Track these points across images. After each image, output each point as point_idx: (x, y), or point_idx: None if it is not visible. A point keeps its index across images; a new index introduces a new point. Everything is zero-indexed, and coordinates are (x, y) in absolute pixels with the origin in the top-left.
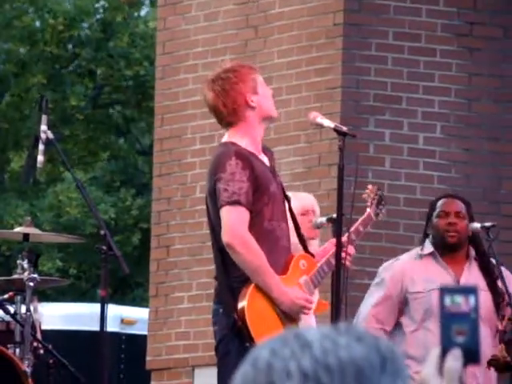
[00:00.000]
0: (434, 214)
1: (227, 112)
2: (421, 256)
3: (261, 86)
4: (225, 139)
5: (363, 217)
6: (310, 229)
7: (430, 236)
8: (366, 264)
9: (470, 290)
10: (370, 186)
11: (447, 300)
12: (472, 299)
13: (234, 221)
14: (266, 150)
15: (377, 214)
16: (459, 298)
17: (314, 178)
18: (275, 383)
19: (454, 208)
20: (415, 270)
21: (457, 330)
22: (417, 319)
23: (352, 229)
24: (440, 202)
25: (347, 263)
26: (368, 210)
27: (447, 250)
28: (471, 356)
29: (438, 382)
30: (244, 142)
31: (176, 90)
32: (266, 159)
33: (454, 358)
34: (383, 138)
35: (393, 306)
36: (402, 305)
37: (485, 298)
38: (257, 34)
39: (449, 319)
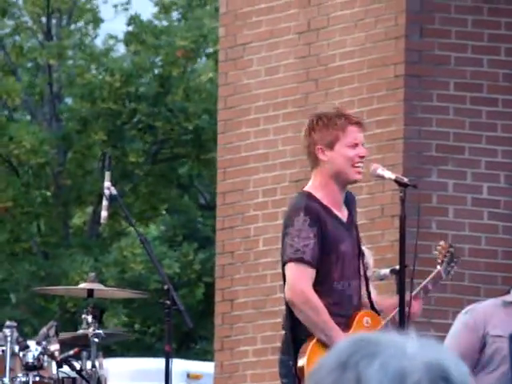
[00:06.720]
0: None
1: (305, 153)
2: (505, 303)
3: (342, 145)
4: (306, 187)
5: (432, 274)
6: None
7: None
8: (432, 315)
9: None
10: (441, 243)
11: None
12: None
13: (297, 278)
14: (349, 197)
15: (448, 272)
16: None
17: (377, 229)
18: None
19: None
20: (497, 316)
21: None
22: (495, 362)
23: (420, 286)
24: None
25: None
26: (438, 267)
27: None
28: None
29: None
30: (320, 194)
31: (238, 144)
32: (344, 213)
33: None
34: (446, 188)
35: (473, 348)
36: (481, 347)
37: None
38: (317, 86)
39: None
